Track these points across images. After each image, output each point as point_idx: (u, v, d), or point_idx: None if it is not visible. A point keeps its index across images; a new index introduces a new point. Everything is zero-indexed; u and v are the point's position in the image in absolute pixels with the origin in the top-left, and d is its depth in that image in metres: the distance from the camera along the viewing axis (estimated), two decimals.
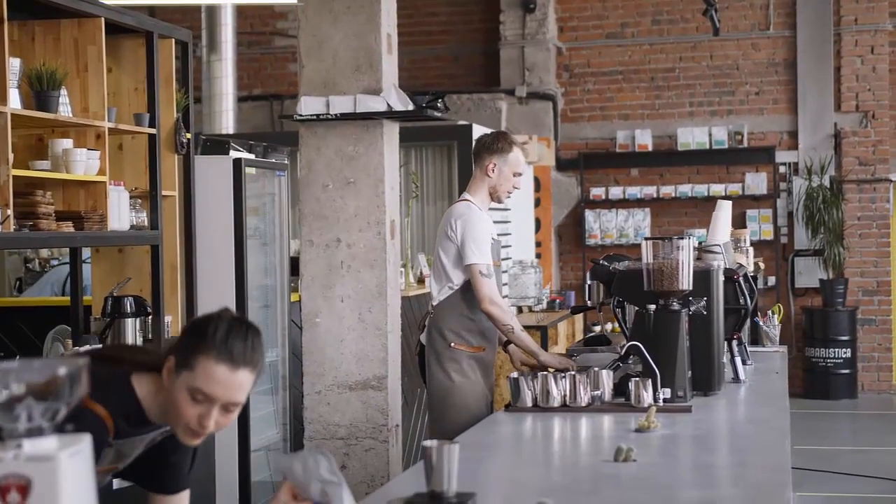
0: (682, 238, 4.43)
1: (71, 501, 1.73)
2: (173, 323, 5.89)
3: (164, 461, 2.89)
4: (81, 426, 2.49)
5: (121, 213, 5.29)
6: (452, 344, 5.23)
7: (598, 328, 12.19)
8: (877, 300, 12.66)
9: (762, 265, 10.24)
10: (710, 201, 12.63)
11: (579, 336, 10.64)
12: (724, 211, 5.53)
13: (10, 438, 1.75)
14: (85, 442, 1.78)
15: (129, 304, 5.44)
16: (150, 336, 5.62)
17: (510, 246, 10.59)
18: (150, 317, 5.60)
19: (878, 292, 12.65)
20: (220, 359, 2.58)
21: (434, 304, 5.33)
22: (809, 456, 9.28)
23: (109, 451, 2.71)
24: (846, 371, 12.33)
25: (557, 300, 11.26)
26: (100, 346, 4.96)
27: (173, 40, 5.89)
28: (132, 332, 5.44)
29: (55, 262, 7.95)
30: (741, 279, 5.04)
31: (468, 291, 5.19)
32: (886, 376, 12.69)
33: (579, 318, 11.44)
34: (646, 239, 4.48)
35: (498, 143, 5.35)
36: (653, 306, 4.42)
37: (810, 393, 12.36)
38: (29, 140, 5.17)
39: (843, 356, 12.30)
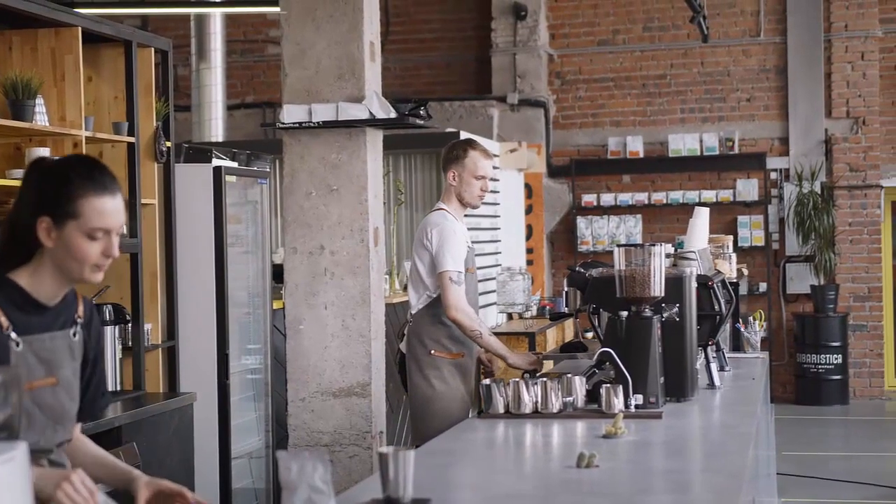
0: (654, 245, 4.45)
1: None
2: (153, 331, 5.91)
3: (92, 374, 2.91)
4: None
5: None
6: (432, 351, 5.28)
7: (590, 335, 12.19)
8: (868, 306, 12.67)
9: (745, 271, 10.25)
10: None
11: None
12: (702, 218, 5.55)
13: None
14: (19, 450, 1.80)
15: (108, 312, 5.45)
16: (129, 344, 5.64)
17: (500, 253, 10.61)
18: (128, 324, 5.62)
19: (869, 298, 12.66)
20: (99, 193, 2.70)
21: (412, 312, 5.40)
22: (800, 462, 9.29)
23: (24, 352, 2.69)
24: (837, 377, 12.34)
25: (548, 307, 11.26)
26: None
27: (153, 49, 5.91)
28: (111, 339, 5.45)
29: None
30: (717, 285, 5.05)
31: None
32: (878, 382, 12.69)
33: (569, 324, 11.45)
34: (618, 246, 4.50)
35: (453, 151, 5.47)
36: (625, 313, 4.44)
37: (801, 399, 12.37)
38: (7, 149, 5.19)
39: (835, 362, 12.30)
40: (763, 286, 12.60)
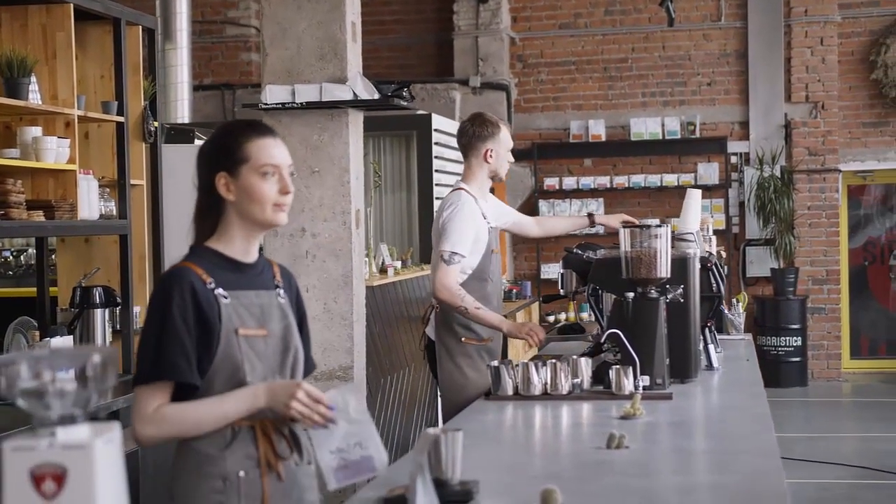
0: (660, 226, 4.45)
1: (106, 488, 1.71)
2: (142, 313, 5.82)
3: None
4: (167, 280, 2.82)
5: (90, 202, 5.22)
6: (463, 339, 5.16)
7: (553, 317, 12.24)
8: (826, 289, 12.81)
9: (724, 253, 10.34)
10: (662, 191, 12.74)
11: None
12: (695, 199, 5.57)
13: (43, 427, 1.72)
14: (115, 430, 1.76)
15: (97, 295, 5.37)
16: (118, 327, 5.55)
17: None
18: (118, 307, 5.53)
19: (827, 281, 12.81)
20: (261, 135, 2.90)
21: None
22: None
23: (234, 304, 2.83)
24: (797, 359, 12.48)
25: (514, 290, 11.30)
26: None
27: (140, 27, 5.82)
28: (101, 322, 5.37)
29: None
30: (714, 266, 5.07)
31: (473, 283, 5.13)
32: (836, 364, 12.85)
33: (535, 307, 11.49)
34: (624, 226, 4.49)
35: (487, 128, 5.39)
36: (631, 294, 4.43)
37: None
38: None
39: (794, 344, 12.44)
40: (724, 269, 12.68)
